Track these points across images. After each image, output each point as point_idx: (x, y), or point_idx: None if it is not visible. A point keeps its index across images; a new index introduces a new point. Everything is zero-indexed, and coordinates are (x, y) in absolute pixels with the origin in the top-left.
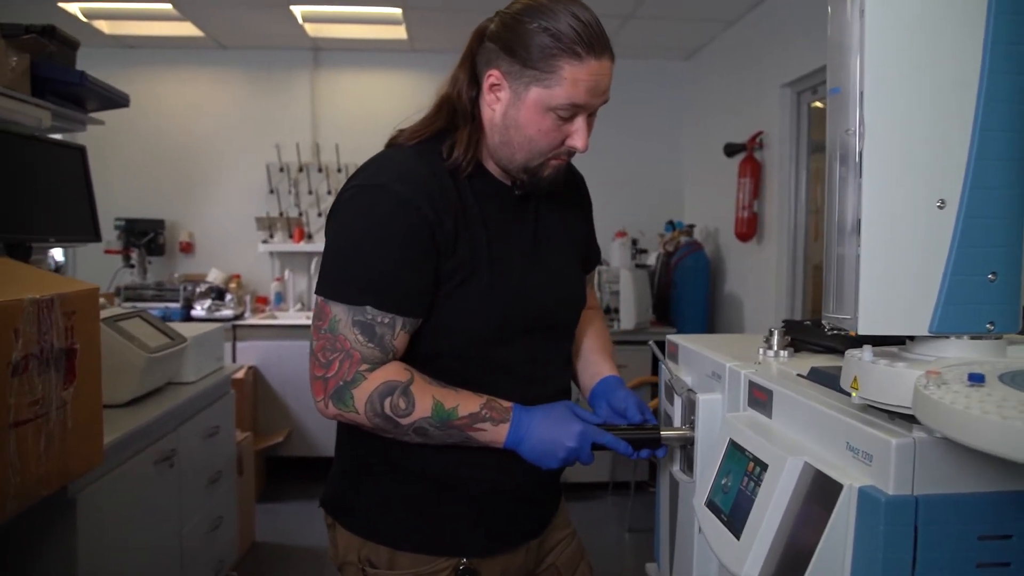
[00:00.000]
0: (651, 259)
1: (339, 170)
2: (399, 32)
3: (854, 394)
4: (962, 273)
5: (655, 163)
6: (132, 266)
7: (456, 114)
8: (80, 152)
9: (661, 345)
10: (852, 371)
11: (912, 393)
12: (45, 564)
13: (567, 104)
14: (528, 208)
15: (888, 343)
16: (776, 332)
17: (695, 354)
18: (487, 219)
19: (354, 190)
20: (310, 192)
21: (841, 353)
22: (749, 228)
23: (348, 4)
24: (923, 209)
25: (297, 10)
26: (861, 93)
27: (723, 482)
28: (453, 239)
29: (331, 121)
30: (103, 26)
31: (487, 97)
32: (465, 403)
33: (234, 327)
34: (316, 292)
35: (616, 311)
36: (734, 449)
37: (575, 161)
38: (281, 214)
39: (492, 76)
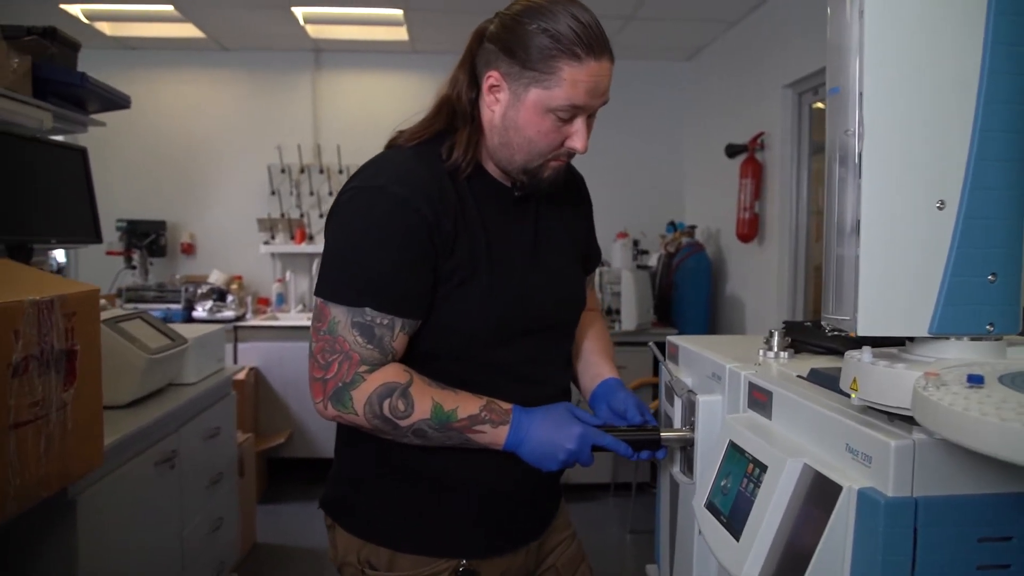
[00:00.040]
0: (652, 260)
1: (340, 171)
2: (400, 33)
3: (853, 395)
4: (962, 274)
5: (656, 164)
6: (134, 267)
7: (456, 115)
8: (81, 153)
9: (661, 346)
10: (851, 372)
11: (911, 394)
12: (45, 565)
13: (566, 105)
14: (528, 209)
15: (888, 344)
16: (776, 333)
17: (695, 355)
18: (486, 220)
19: (353, 191)
20: (311, 193)
21: (841, 354)
22: (750, 229)
23: (349, 5)
24: (923, 210)
25: (298, 11)
26: (860, 94)
27: (723, 483)
28: (452, 240)
29: (332, 122)
30: (105, 27)
31: (486, 98)
32: (464, 405)
33: (235, 328)
34: (315, 294)
35: (617, 312)
36: (734, 450)
37: (576, 162)
38: (282, 215)
39: (491, 77)
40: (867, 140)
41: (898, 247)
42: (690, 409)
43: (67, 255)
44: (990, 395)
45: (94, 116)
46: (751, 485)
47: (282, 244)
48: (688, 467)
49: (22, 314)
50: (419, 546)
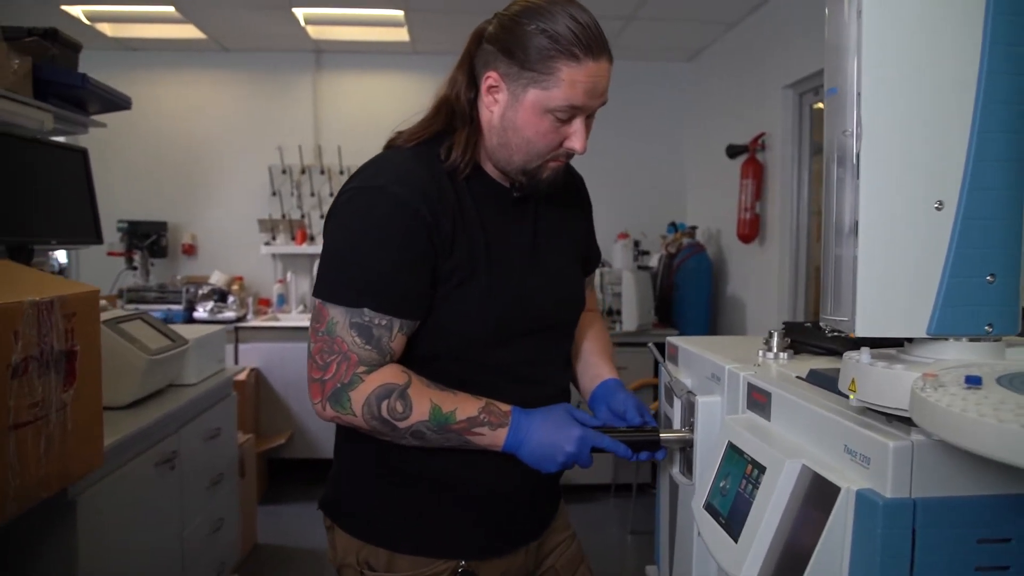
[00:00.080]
0: (653, 261)
1: (341, 172)
2: (401, 34)
3: (852, 396)
4: (960, 275)
5: (657, 164)
6: (135, 268)
7: (454, 116)
8: (82, 154)
9: (661, 347)
10: (850, 373)
11: (909, 395)
12: (45, 566)
13: (565, 106)
14: (527, 210)
15: (887, 345)
16: (775, 334)
17: (695, 356)
18: (485, 221)
19: (352, 192)
20: (312, 194)
21: (841, 355)
22: (751, 230)
23: (350, 6)
24: (921, 210)
25: (299, 12)
26: (858, 94)
27: (721, 485)
28: (450, 241)
29: (333, 123)
30: (106, 29)
31: (485, 99)
32: (463, 406)
33: (236, 329)
34: (314, 294)
35: (618, 313)
36: (732, 451)
37: (576, 162)
38: (283, 216)
39: (490, 78)
40: (865, 141)
41: (896, 248)
42: (689, 410)
43: (68, 256)
44: (988, 396)
45: (95, 117)
46: (750, 486)
47: (283, 245)
48: (687, 468)
49: (21, 315)
50: (418, 547)
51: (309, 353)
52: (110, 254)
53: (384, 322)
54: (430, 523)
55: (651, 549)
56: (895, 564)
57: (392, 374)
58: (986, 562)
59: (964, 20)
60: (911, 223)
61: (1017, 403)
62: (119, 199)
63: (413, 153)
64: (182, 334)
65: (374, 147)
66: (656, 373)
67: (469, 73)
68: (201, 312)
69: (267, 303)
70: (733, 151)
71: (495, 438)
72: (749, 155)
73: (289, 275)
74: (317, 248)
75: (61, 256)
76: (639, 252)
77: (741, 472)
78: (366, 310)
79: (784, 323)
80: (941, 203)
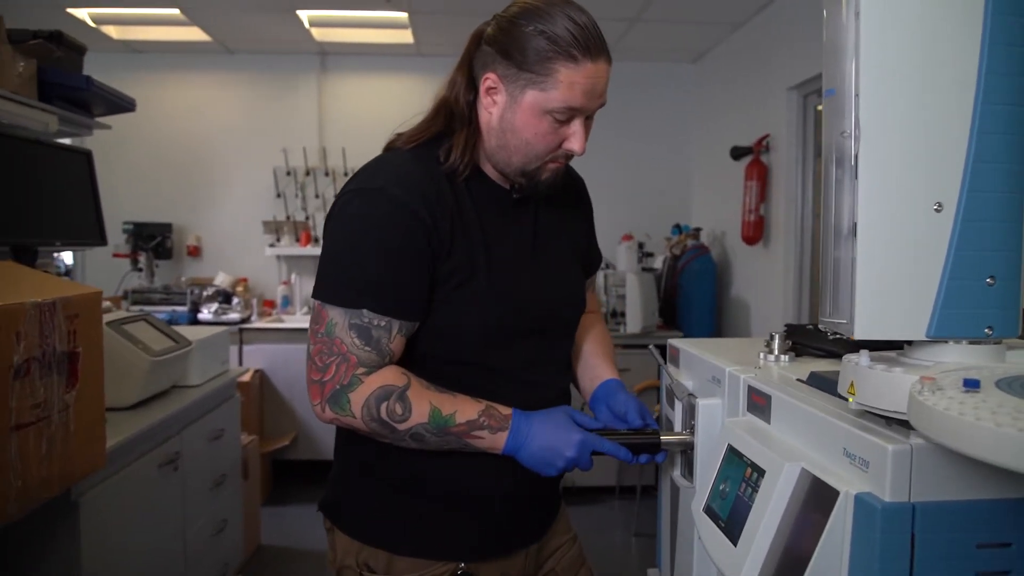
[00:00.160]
0: (657, 262)
1: (345, 173)
2: (405, 36)
3: (851, 399)
4: (960, 277)
5: (661, 166)
6: (140, 270)
7: (454, 118)
8: (86, 156)
9: (662, 349)
10: (849, 376)
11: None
12: (48, 567)
13: (563, 107)
14: (526, 211)
15: (887, 348)
16: (776, 336)
17: (696, 358)
18: (484, 222)
19: (351, 194)
20: (317, 196)
21: (842, 358)
22: (756, 231)
23: (355, 8)
24: (920, 212)
25: (304, 15)
26: (856, 95)
27: (721, 488)
28: (449, 242)
29: (338, 125)
30: (111, 31)
31: (484, 100)
32: (463, 409)
33: (241, 330)
34: (313, 296)
35: (622, 315)
36: (732, 454)
37: (581, 163)
38: (288, 218)
39: (489, 79)
40: (863, 142)
41: (895, 250)
42: (690, 412)
43: (74, 257)
44: (986, 400)
45: (100, 119)
46: (749, 489)
47: (287, 246)
48: (688, 471)
49: (24, 316)
50: (417, 549)
51: (308, 355)
52: (115, 256)
53: (383, 323)
54: (430, 525)
55: (655, 552)
56: (894, 568)
57: (392, 376)
58: (986, 567)
59: (964, 20)
60: (910, 225)
61: (1015, 407)
62: (124, 201)
63: (412, 155)
64: (186, 335)
65: (378, 149)
66: (660, 375)
67: (468, 75)
68: (206, 313)
69: (271, 304)
70: (737, 153)
71: (495, 441)
72: (753, 157)
73: (293, 277)
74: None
75: (67, 258)
76: (643, 254)
77: (740, 475)
78: (365, 311)
79: (786, 325)
80: (940, 205)
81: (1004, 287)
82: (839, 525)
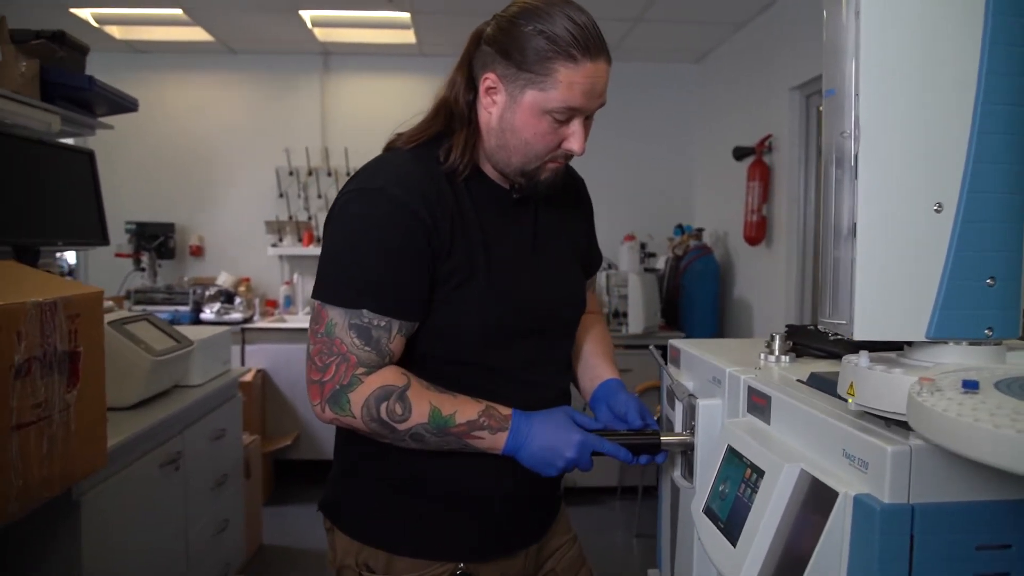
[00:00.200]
0: (660, 263)
1: (348, 174)
2: (408, 36)
3: (850, 400)
4: (960, 278)
5: (664, 166)
6: (143, 269)
7: (453, 118)
8: (89, 156)
9: (664, 350)
10: (848, 377)
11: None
12: (49, 566)
13: (563, 107)
14: (526, 211)
15: (888, 349)
16: (777, 337)
17: (696, 359)
18: (484, 222)
19: (351, 194)
20: (319, 196)
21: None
22: (758, 232)
23: (357, 9)
24: (920, 213)
25: (306, 15)
26: (856, 95)
27: (721, 489)
28: (449, 242)
29: (340, 125)
30: (114, 31)
31: (483, 100)
32: (463, 409)
33: (243, 330)
34: (313, 296)
35: (625, 315)
36: (732, 455)
37: (583, 164)
38: (290, 218)
39: (488, 79)
40: (863, 142)
41: (895, 250)
42: (690, 413)
43: (77, 257)
44: (985, 401)
45: (102, 119)
46: (748, 490)
47: (290, 246)
48: (689, 471)
49: (25, 315)
50: (417, 549)
51: (308, 355)
52: (118, 255)
53: (383, 323)
54: (429, 525)
55: (656, 553)
56: (893, 570)
57: (391, 376)
58: (985, 569)
59: (964, 20)
60: (910, 225)
61: (1014, 408)
62: (127, 201)
63: (412, 155)
64: (187, 335)
65: (380, 149)
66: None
67: (468, 75)
68: (208, 313)
69: (274, 304)
70: (740, 153)
71: (495, 442)
72: (756, 157)
73: (296, 277)
74: None
75: (70, 257)
76: (646, 254)
77: (740, 476)
78: (365, 311)
79: (787, 326)
80: (940, 205)
81: (1004, 288)
82: (838, 526)
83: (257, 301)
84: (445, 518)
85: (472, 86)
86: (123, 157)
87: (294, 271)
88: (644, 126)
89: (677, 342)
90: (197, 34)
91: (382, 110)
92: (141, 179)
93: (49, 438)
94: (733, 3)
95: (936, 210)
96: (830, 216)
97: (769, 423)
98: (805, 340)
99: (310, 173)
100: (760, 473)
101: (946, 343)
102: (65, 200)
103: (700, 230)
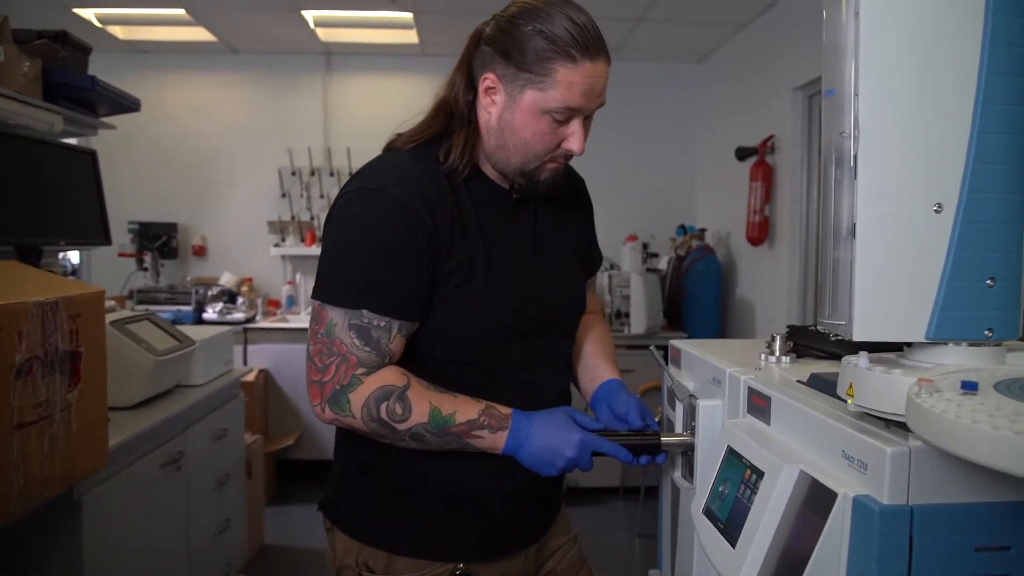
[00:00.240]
0: (662, 263)
1: (350, 173)
2: (410, 36)
3: (850, 401)
4: (959, 278)
5: (666, 166)
6: (145, 269)
7: (453, 118)
8: (91, 156)
9: (665, 350)
10: (848, 378)
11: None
12: (50, 566)
13: (562, 107)
14: (526, 211)
15: (888, 349)
16: (778, 338)
17: (697, 359)
18: (484, 222)
19: (351, 194)
20: (322, 196)
21: None
22: (760, 232)
23: (359, 9)
24: (920, 213)
25: (309, 15)
26: (856, 95)
27: (720, 489)
28: (449, 243)
29: (342, 125)
30: (117, 31)
31: (483, 100)
32: (463, 409)
33: (245, 330)
34: (312, 296)
35: (627, 315)
36: (732, 456)
37: (585, 164)
38: (293, 218)
39: (487, 79)
40: (863, 143)
41: (895, 250)
42: (691, 414)
43: (80, 257)
44: (983, 402)
45: (104, 119)
46: (748, 491)
47: (292, 246)
48: (689, 472)
49: (26, 315)
50: (417, 549)
51: (308, 355)
52: (121, 255)
53: (383, 323)
54: (429, 525)
55: (656, 553)
56: (892, 571)
57: (391, 376)
58: (984, 570)
59: (964, 20)
60: (909, 226)
61: (1013, 410)
62: (129, 200)
63: (412, 155)
64: (189, 335)
65: (383, 149)
66: None
67: (467, 75)
68: (210, 313)
69: (276, 304)
70: (742, 153)
71: (495, 441)
72: (758, 157)
73: (298, 276)
74: None
75: (74, 257)
76: (648, 254)
77: (740, 477)
78: (365, 311)
79: (788, 327)
80: (940, 205)
81: (1004, 288)
82: (837, 527)
83: (259, 301)
84: (445, 518)
85: (472, 86)
86: (126, 157)
87: (296, 271)
88: (646, 126)
89: (678, 342)
90: (200, 34)
91: (385, 110)
92: (144, 179)
93: (50, 438)
94: (735, 3)
95: (936, 210)
96: (829, 216)
97: (769, 424)
98: (806, 341)
99: (312, 173)
100: (759, 474)
101: (946, 344)
102: (67, 200)
103: (702, 230)
